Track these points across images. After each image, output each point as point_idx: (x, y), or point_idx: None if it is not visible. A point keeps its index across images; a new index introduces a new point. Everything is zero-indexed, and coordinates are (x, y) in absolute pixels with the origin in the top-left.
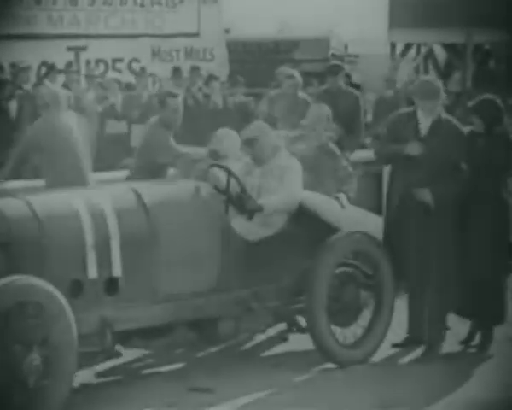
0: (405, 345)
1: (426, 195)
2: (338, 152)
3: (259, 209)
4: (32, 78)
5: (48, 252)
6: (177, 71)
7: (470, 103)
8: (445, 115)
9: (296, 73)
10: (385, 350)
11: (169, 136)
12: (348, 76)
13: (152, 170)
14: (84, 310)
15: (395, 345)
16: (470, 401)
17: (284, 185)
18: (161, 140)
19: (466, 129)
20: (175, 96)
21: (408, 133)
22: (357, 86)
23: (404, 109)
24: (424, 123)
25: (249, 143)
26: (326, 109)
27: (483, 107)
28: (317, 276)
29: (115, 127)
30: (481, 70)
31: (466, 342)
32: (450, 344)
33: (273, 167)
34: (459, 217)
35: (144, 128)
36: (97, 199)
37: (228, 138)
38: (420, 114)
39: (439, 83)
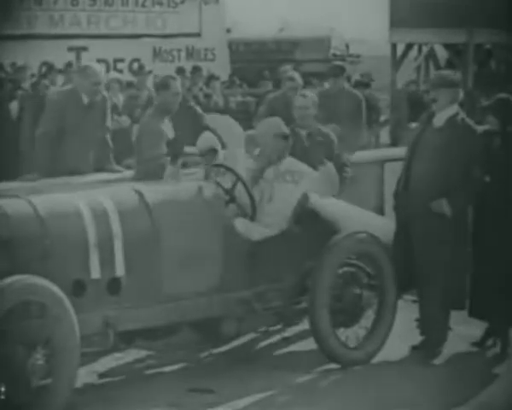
0: (423, 347)
1: (444, 206)
2: (331, 134)
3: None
4: (33, 77)
5: (50, 252)
6: (180, 71)
7: (485, 103)
8: (461, 113)
9: (297, 75)
10: (387, 351)
11: (162, 123)
12: (348, 77)
13: (149, 167)
14: (87, 310)
15: (414, 347)
16: (471, 402)
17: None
18: (154, 128)
19: (480, 128)
20: (175, 78)
21: (422, 125)
22: (366, 84)
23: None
24: (439, 117)
25: (282, 137)
26: (311, 99)
27: (498, 105)
28: (320, 276)
29: (117, 123)
30: (482, 70)
31: (480, 344)
32: (450, 345)
33: (285, 172)
34: (472, 217)
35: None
36: (100, 199)
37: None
38: (436, 108)
39: (458, 76)
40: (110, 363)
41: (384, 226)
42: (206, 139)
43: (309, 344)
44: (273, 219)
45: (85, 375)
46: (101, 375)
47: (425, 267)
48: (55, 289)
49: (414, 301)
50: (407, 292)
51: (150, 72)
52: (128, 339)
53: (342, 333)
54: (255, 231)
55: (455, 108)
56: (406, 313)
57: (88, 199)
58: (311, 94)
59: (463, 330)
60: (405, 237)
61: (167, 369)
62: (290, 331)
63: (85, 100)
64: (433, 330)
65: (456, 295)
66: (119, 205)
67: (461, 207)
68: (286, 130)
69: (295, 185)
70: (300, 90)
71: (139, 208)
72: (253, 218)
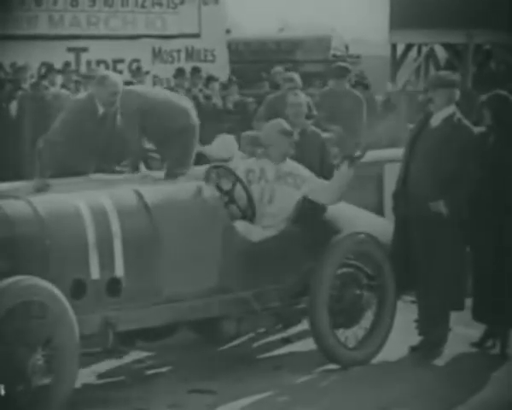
0: (422, 348)
1: (440, 207)
2: (321, 134)
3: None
4: (33, 78)
5: (50, 252)
6: (180, 71)
7: (483, 97)
8: (458, 114)
9: (296, 76)
10: (386, 351)
11: None
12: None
13: None
14: (87, 311)
15: (413, 348)
16: (470, 403)
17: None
18: None
19: (477, 129)
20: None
21: (419, 125)
22: (365, 85)
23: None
24: (436, 117)
25: (287, 134)
26: (303, 97)
27: (493, 99)
28: (321, 276)
29: None
30: (482, 71)
31: (479, 345)
32: (450, 346)
33: (286, 174)
34: (468, 217)
35: None
36: (100, 199)
37: (228, 144)
38: (433, 108)
39: (455, 76)
40: (110, 364)
41: (383, 227)
42: (223, 147)
43: (309, 345)
44: (273, 220)
45: (85, 376)
46: (101, 376)
47: (424, 267)
48: (55, 289)
49: (413, 302)
50: (406, 293)
51: (147, 72)
52: (127, 340)
53: (342, 334)
54: (254, 232)
55: (451, 109)
56: (405, 314)
57: (88, 199)
58: (303, 93)
59: (463, 331)
60: (404, 238)
61: (167, 370)
62: (290, 332)
63: (100, 110)
64: (432, 331)
65: (454, 295)
66: (118, 206)
67: (458, 207)
68: (289, 128)
69: (297, 190)
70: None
71: (139, 209)
72: (252, 219)
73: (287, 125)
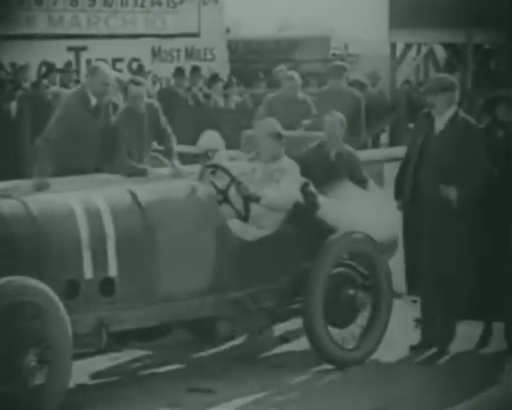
0: (421, 347)
1: (451, 192)
2: (357, 157)
3: (256, 199)
4: (32, 77)
5: (44, 252)
6: (180, 71)
7: (489, 97)
8: (461, 113)
9: (296, 75)
10: (386, 351)
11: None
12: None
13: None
14: (80, 310)
15: (413, 348)
16: (470, 403)
17: (280, 185)
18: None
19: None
20: (138, 83)
21: (423, 132)
22: (361, 84)
23: (423, 111)
24: (440, 120)
25: (275, 137)
26: (338, 118)
27: (489, 104)
28: (314, 276)
29: None
30: (481, 70)
31: (479, 344)
32: (451, 345)
33: (274, 171)
34: (478, 216)
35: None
36: (93, 199)
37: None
38: (435, 112)
39: (454, 78)
40: (108, 363)
41: (380, 226)
42: (210, 139)
43: (307, 344)
44: (264, 221)
45: (83, 376)
46: (99, 376)
47: (434, 272)
48: (48, 289)
49: (413, 301)
50: (413, 294)
51: (149, 72)
52: (121, 340)
53: (337, 334)
54: (249, 231)
55: (453, 109)
56: (405, 313)
57: (81, 199)
58: (339, 114)
59: (463, 331)
60: (415, 245)
61: (164, 369)
62: (288, 332)
63: (93, 102)
64: (433, 331)
65: (467, 302)
66: (112, 205)
67: (468, 195)
68: (280, 129)
69: (276, 183)
70: (300, 89)
71: (132, 208)
72: (246, 218)
73: (276, 127)
